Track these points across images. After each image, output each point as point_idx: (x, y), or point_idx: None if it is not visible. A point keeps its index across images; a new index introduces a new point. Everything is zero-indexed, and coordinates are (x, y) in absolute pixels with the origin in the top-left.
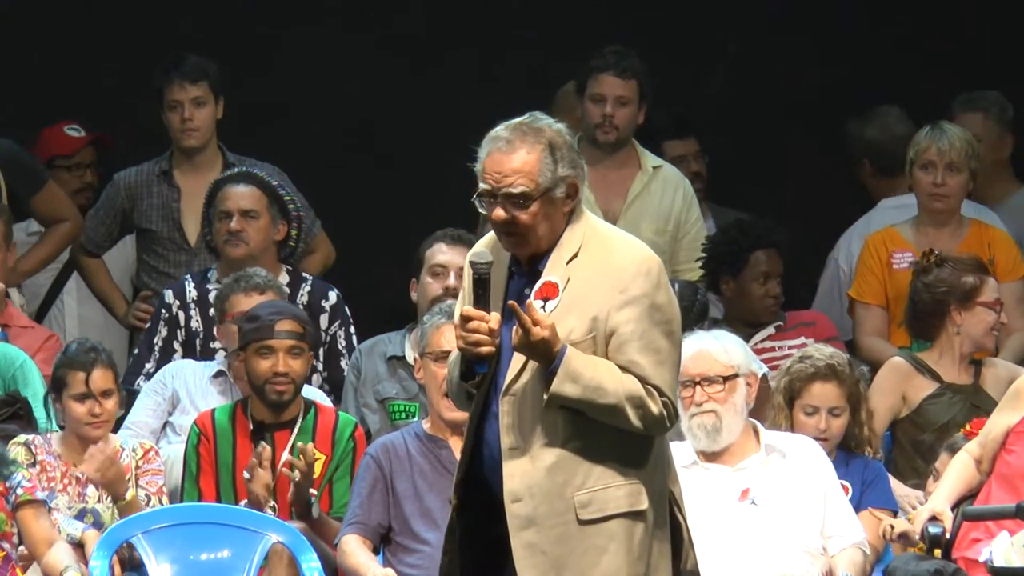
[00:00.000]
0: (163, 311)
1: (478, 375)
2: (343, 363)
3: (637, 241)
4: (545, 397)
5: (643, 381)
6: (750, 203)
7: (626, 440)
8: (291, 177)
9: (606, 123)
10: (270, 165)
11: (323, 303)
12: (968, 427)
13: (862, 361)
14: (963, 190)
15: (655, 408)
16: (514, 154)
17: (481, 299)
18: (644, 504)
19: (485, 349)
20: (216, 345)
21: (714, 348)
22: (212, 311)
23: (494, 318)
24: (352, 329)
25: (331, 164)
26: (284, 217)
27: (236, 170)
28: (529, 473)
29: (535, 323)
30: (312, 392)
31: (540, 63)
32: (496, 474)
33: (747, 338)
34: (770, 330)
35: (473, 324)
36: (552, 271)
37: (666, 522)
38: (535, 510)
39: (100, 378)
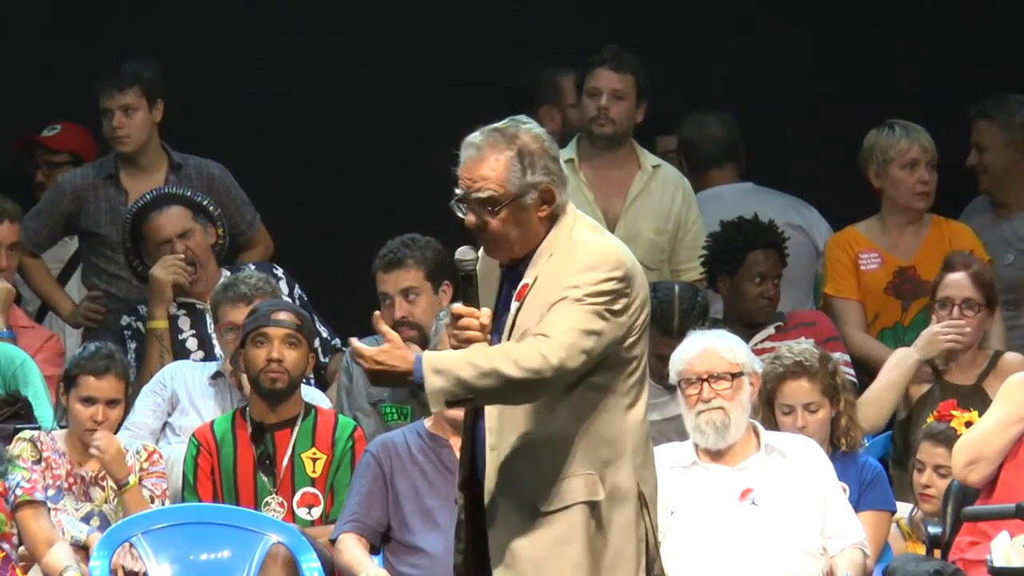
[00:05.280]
0: (125, 331)
1: None
2: (318, 324)
3: (608, 246)
4: (429, 403)
5: (536, 334)
6: None
7: (585, 433)
8: (282, 178)
9: (601, 115)
10: (213, 161)
11: (273, 274)
12: (937, 412)
13: (852, 357)
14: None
15: (528, 349)
16: (483, 160)
17: (470, 296)
18: (600, 495)
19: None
20: (183, 336)
21: (720, 346)
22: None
23: (484, 313)
24: (299, 290)
25: (325, 166)
26: (210, 221)
27: (153, 194)
28: (499, 469)
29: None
30: (313, 395)
31: (544, 63)
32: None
33: (747, 338)
34: (770, 330)
35: (464, 321)
36: (530, 274)
37: (630, 521)
38: (501, 505)
39: (109, 387)
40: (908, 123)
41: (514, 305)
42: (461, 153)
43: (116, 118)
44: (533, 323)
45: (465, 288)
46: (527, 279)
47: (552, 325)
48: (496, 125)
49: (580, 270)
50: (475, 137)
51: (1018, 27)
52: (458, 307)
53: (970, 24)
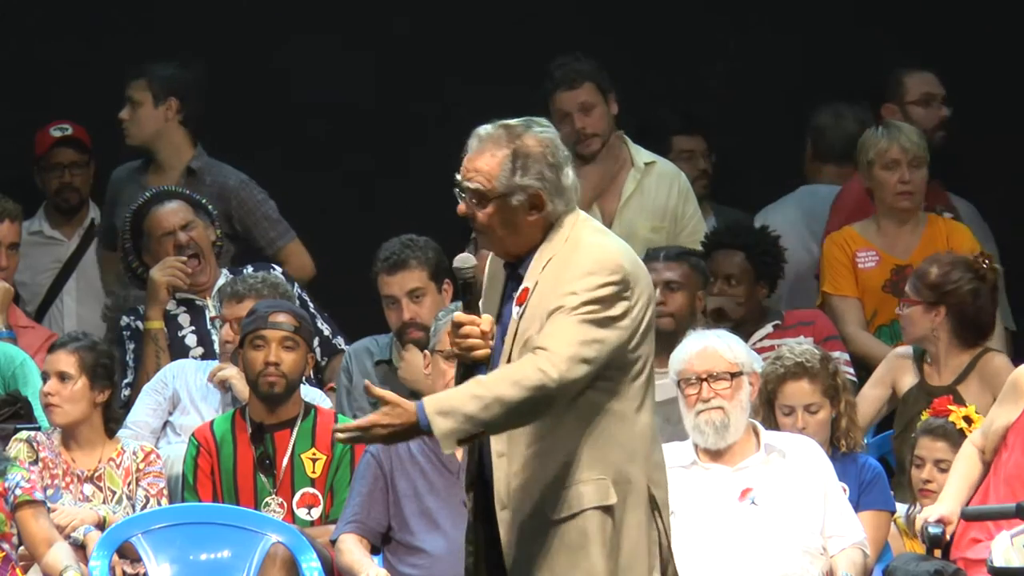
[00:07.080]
0: (124, 331)
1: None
2: (320, 322)
3: (609, 249)
4: (442, 446)
5: (535, 348)
6: (753, 203)
7: (593, 438)
8: (287, 180)
9: (581, 136)
10: (236, 173)
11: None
12: (932, 408)
13: (851, 355)
14: (924, 185)
15: (527, 367)
16: (481, 153)
17: (469, 303)
18: (612, 499)
19: (480, 353)
20: (182, 333)
21: (719, 346)
22: None
23: (485, 320)
24: (298, 288)
25: (327, 167)
26: (210, 220)
27: (149, 192)
28: (508, 476)
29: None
30: (313, 395)
31: (543, 64)
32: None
33: (745, 337)
34: (768, 328)
35: (465, 330)
36: (530, 277)
37: (642, 522)
38: (514, 513)
39: (60, 360)
40: (895, 122)
41: (515, 310)
42: (469, 140)
43: (125, 108)
44: (534, 331)
45: (464, 296)
46: (527, 283)
47: (550, 337)
48: (508, 121)
49: (579, 275)
50: (483, 128)
51: (1017, 27)
52: (459, 315)
53: (969, 23)
